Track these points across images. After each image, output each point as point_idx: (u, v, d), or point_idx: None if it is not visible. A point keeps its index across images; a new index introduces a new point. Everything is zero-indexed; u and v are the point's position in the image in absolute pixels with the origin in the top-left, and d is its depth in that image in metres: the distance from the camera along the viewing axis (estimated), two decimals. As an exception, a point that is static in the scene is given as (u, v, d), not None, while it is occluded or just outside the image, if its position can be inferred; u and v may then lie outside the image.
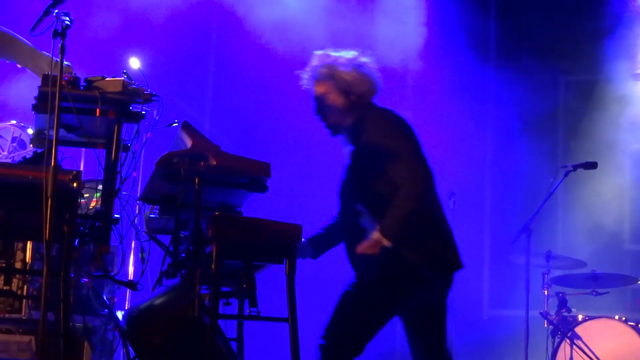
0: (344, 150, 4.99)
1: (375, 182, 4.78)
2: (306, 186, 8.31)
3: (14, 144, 5.83)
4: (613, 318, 7.92)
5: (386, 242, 4.58)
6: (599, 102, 9.50)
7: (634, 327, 7.78)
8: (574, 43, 9.73)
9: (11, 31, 4.46)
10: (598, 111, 9.45)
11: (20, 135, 5.86)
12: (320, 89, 5.03)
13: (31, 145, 5.54)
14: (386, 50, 9.24)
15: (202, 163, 4.59)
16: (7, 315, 5.50)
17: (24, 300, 5.49)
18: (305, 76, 5.08)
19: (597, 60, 9.37)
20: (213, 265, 4.53)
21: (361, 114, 4.92)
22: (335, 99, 4.99)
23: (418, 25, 9.90)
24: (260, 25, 9.20)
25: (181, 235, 5.05)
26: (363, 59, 5.07)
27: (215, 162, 4.61)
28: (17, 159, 5.63)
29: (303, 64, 5.07)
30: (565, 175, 8.11)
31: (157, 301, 4.72)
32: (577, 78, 10.04)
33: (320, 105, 5.03)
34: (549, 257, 8.09)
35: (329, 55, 5.07)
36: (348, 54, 5.06)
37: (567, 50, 9.82)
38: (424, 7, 9.92)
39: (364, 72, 5.03)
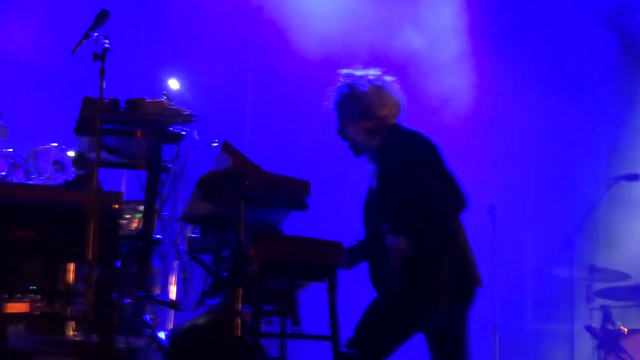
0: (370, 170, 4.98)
1: (399, 205, 4.76)
2: (345, 201, 8.30)
3: (55, 167, 5.86)
4: (659, 331, 7.86)
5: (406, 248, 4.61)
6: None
7: (680, 340, 7.72)
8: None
9: None
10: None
11: (60, 158, 5.90)
12: (338, 112, 5.02)
13: (73, 168, 5.59)
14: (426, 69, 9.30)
15: (242, 182, 4.59)
16: (50, 337, 5.51)
17: (68, 322, 5.50)
18: (329, 97, 5.04)
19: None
20: (255, 285, 4.54)
21: (386, 137, 4.89)
22: (357, 121, 4.94)
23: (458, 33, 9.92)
24: (299, 41, 9.24)
25: (223, 254, 5.05)
26: (387, 78, 5.02)
27: (255, 182, 4.62)
28: (58, 181, 5.67)
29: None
30: (608, 187, 8.08)
31: (200, 321, 4.73)
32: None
33: (342, 127, 5.00)
34: (592, 270, 8.04)
35: (351, 75, 5.02)
36: (371, 74, 5.01)
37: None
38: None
39: (387, 94, 4.97)
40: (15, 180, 5.67)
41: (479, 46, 9.80)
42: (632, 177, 8.13)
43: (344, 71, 5.05)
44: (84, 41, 4.43)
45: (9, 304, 5.36)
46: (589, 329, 7.98)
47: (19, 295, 5.40)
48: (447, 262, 4.71)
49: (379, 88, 4.96)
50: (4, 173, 5.72)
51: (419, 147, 4.84)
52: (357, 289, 5.12)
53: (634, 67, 9.52)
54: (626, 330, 7.84)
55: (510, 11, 9.91)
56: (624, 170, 8.36)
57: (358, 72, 5.02)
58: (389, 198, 4.79)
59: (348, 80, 4.99)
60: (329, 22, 9.21)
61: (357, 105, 4.92)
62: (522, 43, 9.81)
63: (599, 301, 8.10)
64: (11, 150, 5.68)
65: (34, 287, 5.30)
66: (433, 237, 4.68)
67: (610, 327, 7.92)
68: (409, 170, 4.75)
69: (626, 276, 8.18)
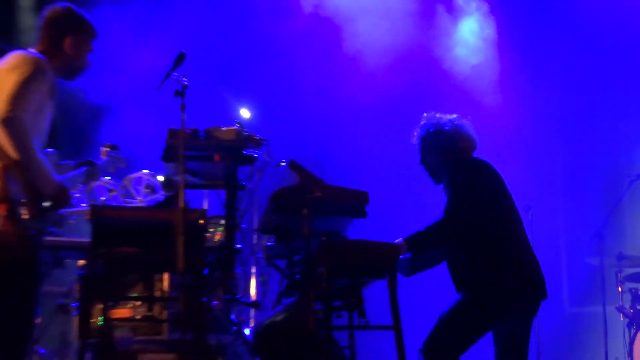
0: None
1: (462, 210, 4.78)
2: (402, 206, 8.27)
3: (147, 190, 5.90)
4: (683, 309, 7.73)
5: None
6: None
7: (702, 316, 7.60)
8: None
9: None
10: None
11: (151, 183, 5.93)
12: (422, 146, 5.14)
13: (162, 190, 5.61)
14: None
15: (308, 196, 4.58)
16: (151, 338, 5.53)
17: (165, 324, 5.52)
18: (414, 133, 5.17)
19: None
20: (324, 284, 4.50)
21: (456, 167, 4.94)
22: (437, 154, 5.07)
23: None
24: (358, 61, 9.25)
25: (295, 259, 5.05)
26: (464, 121, 5.16)
27: (320, 195, 4.61)
28: (150, 203, 5.70)
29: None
30: (630, 184, 7.99)
31: (278, 318, 4.72)
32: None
33: (424, 158, 5.13)
34: (620, 257, 7.98)
35: (434, 116, 5.17)
36: (450, 117, 5.15)
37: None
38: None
39: (463, 132, 5.10)
40: (114, 204, 5.71)
41: (509, 55, 9.72)
42: (650, 174, 8.08)
43: (426, 114, 5.20)
44: (166, 80, 4.43)
45: (115, 310, 5.42)
46: (619, 309, 7.91)
47: (122, 303, 5.48)
48: (512, 275, 4.70)
49: (457, 126, 5.10)
50: (103, 198, 5.76)
51: (468, 168, 4.94)
52: (414, 285, 5.07)
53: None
54: (653, 309, 7.75)
55: (538, 12, 9.75)
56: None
57: (439, 115, 5.17)
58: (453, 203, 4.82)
59: (432, 120, 5.15)
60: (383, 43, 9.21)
61: (439, 139, 5.05)
62: (552, 48, 9.67)
63: (628, 285, 8.02)
64: (109, 178, 5.72)
65: (135, 295, 5.35)
66: (503, 256, 4.72)
67: (638, 307, 7.83)
68: (450, 185, 4.83)
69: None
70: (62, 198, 4.33)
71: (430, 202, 5.22)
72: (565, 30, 9.62)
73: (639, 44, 9.33)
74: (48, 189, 4.27)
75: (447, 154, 5.02)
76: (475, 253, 4.72)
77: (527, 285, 4.75)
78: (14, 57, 4.40)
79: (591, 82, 9.37)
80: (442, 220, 4.71)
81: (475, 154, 5.11)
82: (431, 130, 5.10)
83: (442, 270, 5.11)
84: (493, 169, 4.96)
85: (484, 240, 4.72)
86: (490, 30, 9.88)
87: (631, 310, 7.81)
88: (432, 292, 4.92)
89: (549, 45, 9.66)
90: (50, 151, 4.56)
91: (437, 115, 5.17)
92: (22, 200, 4.22)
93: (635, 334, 7.65)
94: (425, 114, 5.20)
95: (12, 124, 4.11)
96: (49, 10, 4.59)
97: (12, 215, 4.14)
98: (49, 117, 4.47)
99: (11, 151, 4.16)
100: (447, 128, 5.07)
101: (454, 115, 5.18)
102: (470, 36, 9.91)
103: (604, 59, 9.33)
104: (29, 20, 8.55)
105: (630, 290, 7.92)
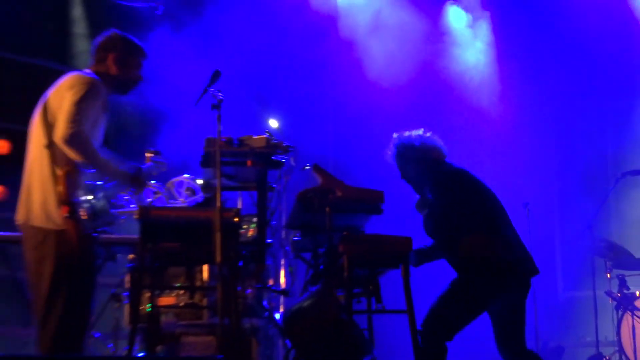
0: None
1: (444, 230, 4.86)
2: (411, 205, 8.29)
3: (188, 193, 5.96)
4: (665, 293, 7.74)
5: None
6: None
7: (684, 298, 7.59)
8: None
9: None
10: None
11: (192, 186, 5.99)
12: (399, 162, 5.15)
13: (201, 192, 5.67)
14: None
15: (330, 196, 4.64)
16: (193, 322, 5.60)
17: (205, 310, 5.59)
18: (388, 153, 5.19)
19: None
20: (345, 274, 4.56)
21: (433, 174, 4.97)
22: (412, 167, 5.09)
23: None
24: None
25: (319, 252, 5.09)
26: (427, 134, 5.15)
27: (340, 194, 4.67)
28: (191, 204, 5.76)
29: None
30: (617, 182, 7.99)
31: (305, 304, 4.71)
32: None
33: (404, 173, 5.16)
34: (609, 246, 7.90)
35: (402, 135, 5.17)
36: (417, 132, 5.16)
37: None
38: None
39: (430, 144, 5.11)
40: (159, 205, 5.78)
41: (508, 61, 9.72)
42: (635, 173, 8.06)
43: (396, 134, 5.20)
44: (203, 95, 4.48)
45: (161, 298, 5.47)
46: (608, 293, 7.88)
47: (167, 292, 5.55)
48: (504, 258, 4.74)
49: (425, 140, 5.11)
50: (149, 200, 5.84)
51: (450, 181, 4.96)
52: (425, 274, 5.13)
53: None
54: (638, 293, 7.73)
55: (533, 17, 9.72)
56: (630, 165, 8.29)
57: (407, 133, 5.16)
58: (432, 219, 4.89)
59: (403, 139, 5.16)
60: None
61: (414, 153, 5.07)
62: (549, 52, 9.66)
63: (615, 271, 8.00)
64: (154, 182, 5.80)
65: (179, 285, 5.44)
66: (485, 241, 4.75)
67: (625, 291, 7.81)
68: (438, 199, 4.86)
69: (632, 255, 8.09)
70: (138, 181, 4.46)
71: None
72: (558, 36, 9.56)
73: (627, 50, 9.33)
74: (124, 180, 4.42)
75: (424, 165, 5.04)
76: (466, 241, 4.75)
77: (513, 265, 4.76)
78: (70, 78, 4.50)
79: (583, 89, 9.35)
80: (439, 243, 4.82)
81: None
82: (404, 147, 5.11)
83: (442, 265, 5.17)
84: (468, 172, 5.00)
85: (473, 230, 4.75)
86: (488, 34, 9.89)
87: (618, 294, 7.76)
88: (441, 280, 4.96)
89: (543, 52, 9.60)
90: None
91: (406, 133, 5.17)
92: (80, 201, 4.33)
93: (622, 315, 7.64)
94: (395, 134, 5.19)
95: (72, 140, 4.21)
96: (99, 36, 4.73)
97: (73, 216, 4.26)
98: (103, 129, 4.59)
99: (79, 161, 4.31)
100: (417, 143, 5.08)
101: (420, 131, 5.17)
102: (468, 39, 9.94)
103: (594, 65, 9.28)
104: (82, 45, 8.67)
105: (617, 276, 7.91)
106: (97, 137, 4.47)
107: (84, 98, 4.33)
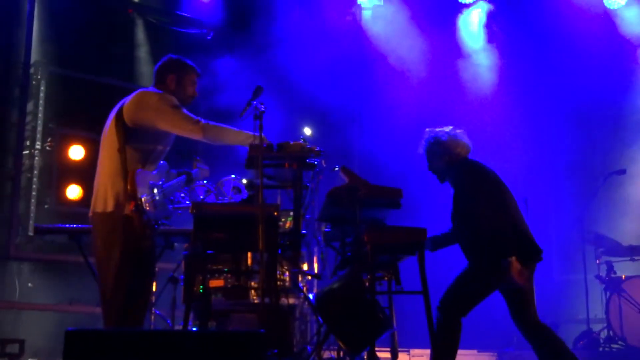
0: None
1: (465, 214, 4.81)
2: (429, 200, 8.24)
3: (234, 191, 5.96)
4: (648, 276, 7.65)
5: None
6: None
7: (665, 282, 7.51)
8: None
9: (218, 124, 4.57)
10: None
11: (237, 185, 6.00)
12: (427, 154, 5.11)
13: (246, 190, 5.67)
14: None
15: (356, 193, 4.61)
16: (239, 301, 5.59)
17: (249, 291, 5.57)
18: (420, 146, 5.15)
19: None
20: (369, 260, 4.54)
21: (456, 168, 4.92)
22: (439, 159, 5.04)
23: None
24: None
25: (347, 241, 5.07)
26: (457, 130, 5.10)
27: (365, 192, 4.63)
28: (237, 200, 5.76)
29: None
30: (605, 179, 7.91)
31: (335, 285, 4.68)
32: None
33: (430, 164, 5.11)
34: (597, 236, 7.93)
35: (433, 130, 5.13)
36: (446, 128, 5.11)
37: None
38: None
39: (458, 139, 5.05)
40: (210, 201, 5.80)
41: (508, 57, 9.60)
42: (621, 172, 7.98)
43: (428, 129, 5.16)
44: (247, 108, 4.45)
45: (211, 281, 5.49)
46: (597, 277, 7.83)
47: (217, 275, 5.54)
48: (511, 246, 4.68)
49: (452, 136, 5.06)
50: (202, 197, 5.86)
51: (474, 174, 4.89)
52: (438, 260, 5.08)
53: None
54: (624, 276, 7.65)
55: (534, 16, 9.55)
56: (616, 166, 8.19)
57: (437, 129, 5.12)
58: (457, 210, 4.85)
59: (432, 134, 5.11)
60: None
61: (439, 148, 5.02)
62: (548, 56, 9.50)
63: (604, 258, 7.93)
64: (206, 182, 5.82)
65: (226, 269, 5.43)
66: (494, 229, 4.67)
67: (613, 275, 7.76)
68: (466, 191, 4.82)
69: (621, 241, 7.98)
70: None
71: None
72: (555, 36, 9.41)
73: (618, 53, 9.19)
74: (246, 141, 4.43)
75: (447, 158, 5.01)
76: (478, 229, 4.71)
77: (512, 249, 4.68)
78: (142, 93, 4.53)
79: (577, 93, 9.24)
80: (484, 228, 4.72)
81: (477, 156, 5.06)
82: (432, 141, 5.07)
83: (459, 248, 5.10)
84: (486, 167, 4.94)
85: (485, 219, 4.70)
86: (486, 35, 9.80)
87: (607, 278, 7.74)
88: (452, 265, 4.91)
89: (543, 52, 9.46)
90: (163, 163, 4.69)
91: (436, 129, 5.12)
92: (145, 198, 4.35)
93: (610, 296, 7.59)
94: (427, 129, 5.16)
95: (206, 134, 4.45)
96: (159, 61, 4.75)
97: (138, 210, 4.27)
98: (171, 139, 4.64)
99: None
100: (444, 139, 5.03)
101: (450, 127, 5.13)
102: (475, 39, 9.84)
103: (587, 69, 9.13)
104: (144, 67, 8.74)
105: (605, 262, 7.86)
106: (172, 139, 4.54)
107: (171, 104, 4.45)
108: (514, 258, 4.57)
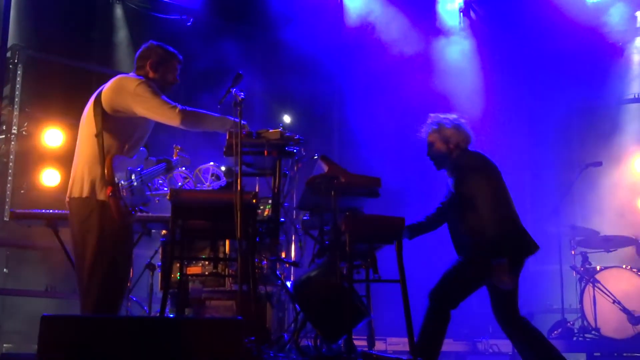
0: (447, 179, 5.02)
1: (463, 206, 4.81)
2: (406, 190, 8.26)
3: (213, 178, 5.95)
4: (621, 267, 7.70)
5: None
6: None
7: (636, 273, 7.56)
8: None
9: (197, 109, 4.54)
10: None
11: (216, 172, 5.98)
12: (430, 139, 5.12)
13: (224, 178, 5.65)
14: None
15: (335, 181, 4.59)
16: (216, 289, 5.58)
17: (227, 278, 5.56)
18: (422, 129, 5.15)
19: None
20: (347, 248, 4.52)
21: (457, 157, 4.93)
22: (440, 146, 5.05)
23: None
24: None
25: (325, 229, 5.02)
26: (462, 120, 5.11)
27: (344, 180, 4.61)
28: (215, 187, 5.75)
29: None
30: (581, 171, 7.97)
31: (312, 274, 4.72)
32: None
33: (430, 149, 5.13)
34: (573, 228, 7.99)
35: (438, 116, 5.14)
36: (451, 116, 5.12)
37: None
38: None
39: (461, 129, 5.06)
40: (188, 188, 5.77)
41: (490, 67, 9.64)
42: (597, 164, 8.04)
43: (432, 114, 5.16)
44: (227, 95, 4.44)
45: (189, 268, 5.48)
46: (573, 267, 7.90)
47: (194, 262, 5.52)
48: (504, 242, 4.70)
49: (456, 124, 5.08)
50: (180, 184, 5.83)
51: (476, 164, 4.91)
52: (416, 249, 5.10)
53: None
54: (598, 267, 7.73)
55: (511, 23, 9.62)
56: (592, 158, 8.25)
57: (442, 115, 5.14)
58: (457, 200, 4.85)
59: (437, 119, 5.12)
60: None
61: (442, 135, 5.04)
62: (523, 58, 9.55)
63: (579, 249, 8.01)
64: (184, 168, 5.79)
65: (204, 257, 5.42)
66: (493, 224, 4.72)
67: (587, 266, 7.82)
68: (466, 181, 4.85)
69: (596, 232, 8.06)
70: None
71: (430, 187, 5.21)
72: (533, 34, 9.45)
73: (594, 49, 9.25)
74: (225, 126, 4.42)
75: (449, 146, 5.02)
76: (477, 223, 4.74)
77: (508, 249, 4.75)
78: (121, 79, 4.50)
79: (555, 86, 9.30)
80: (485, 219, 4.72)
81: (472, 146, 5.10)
82: (435, 127, 5.08)
83: (435, 238, 5.12)
84: (485, 157, 4.96)
85: (487, 214, 4.73)
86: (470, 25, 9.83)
87: (581, 269, 7.80)
88: (430, 255, 4.94)
89: (521, 49, 9.54)
90: (142, 150, 4.66)
91: (441, 115, 5.13)
92: (122, 184, 4.32)
93: (585, 286, 7.65)
94: (431, 114, 5.16)
95: (184, 120, 4.40)
96: (140, 48, 4.71)
97: (114, 195, 4.25)
98: (150, 126, 4.60)
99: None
100: (448, 126, 5.04)
101: (454, 115, 5.14)
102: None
103: (564, 64, 9.21)
104: (123, 53, 8.67)
105: (581, 253, 7.94)
106: (151, 126, 4.51)
107: (150, 90, 4.40)
108: (506, 260, 4.60)
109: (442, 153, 5.03)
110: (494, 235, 4.70)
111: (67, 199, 4.43)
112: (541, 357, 4.77)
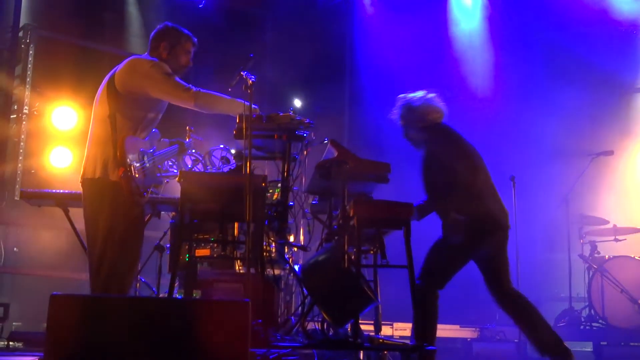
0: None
1: (431, 179, 4.80)
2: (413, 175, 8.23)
3: (223, 161, 5.95)
4: (630, 256, 7.69)
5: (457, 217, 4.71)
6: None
7: (646, 262, 7.59)
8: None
9: (211, 91, 4.54)
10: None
11: (226, 155, 5.99)
12: (401, 121, 5.07)
13: (234, 161, 5.66)
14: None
15: (344, 166, 4.60)
16: (224, 271, 5.60)
17: (235, 261, 5.59)
18: (393, 112, 5.09)
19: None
20: (355, 233, 4.51)
21: (430, 132, 4.90)
22: (413, 126, 5.01)
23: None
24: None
25: (333, 213, 5.06)
26: (430, 95, 5.03)
27: (353, 165, 4.62)
28: (225, 170, 5.76)
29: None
30: (590, 160, 7.95)
31: (320, 258, 4.70)
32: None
33: (406, 132, 5.08)
34: (582, 217, 8.00)
35: (406, 96, 5.07)
36: (420, 93, 5.04)
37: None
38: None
39: (430, 104, 4.99)
40: (198, 170, 5.79)
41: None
42: (608, 153, 8.01)
43: (401, 95, 5.09)
44: (238, 78, 4.42)
45: (198, 250, 5.50)
46: (581, 256, 7.90)
47: (203, 244, 5.55)
48: (482, 215, 4.70)
49: (426, 101, 5.00)
50: (190, 166, 5.85)
51: (448, 138, 4.85)
52: (423, 234, 5.09)
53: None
54: (607, 256, 7.73)
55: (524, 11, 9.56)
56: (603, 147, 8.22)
57: (410, 94, 5.05)
58: (425, 174, 4.81)
59: (405, 100, 5.05)
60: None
61: (412, 114, 4.98)
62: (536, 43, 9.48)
63: (588, 237, 8.00)
64: (194, 150, 5.81)
65: (213, 239, 5.44)
66: (462, 200, 4.70)
67: (596, 255, 7.83)
68: (436, 154, 4.80)
69: (605, 221, 8.05)
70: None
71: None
72: (546, 19, 9.42)
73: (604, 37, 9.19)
74: (239, 109, 4.40)
75: (422, 125, 4.96)
76: (450, 197, 4.73)
77: (487, 223, 4.75)
78: (135, 60, 4.50)
79: (566, 74, 9.26)
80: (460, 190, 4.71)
81: (465, 133, 5.02)
82: (405, 108, 5.02)
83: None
84: (457, 132, 4.90)
85: (457, 188, 4.71)
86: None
87: (590, 258, 7.81)
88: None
89: (532, 34, 9.49)
90: (155, 131, 4.67)
91: (409, 94, 5.05)
92: (134, 165, 4.34)
93: (593, 275, 7.67)
94: (400, 95, 5.08)
95: (198, 102, 4.42)
96: (155, 29, 4.71)
97: (126, 176, 4.26)
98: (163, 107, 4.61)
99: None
100: (417, 104, 4.98)
101: (424, 92, 5.05)
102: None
103: (573, 51, 9.17)
104: (135, 34, 8.64)
105: (589, 242, 7.94)
106: (164, 107, 4.52)
107: (164, 71, 4.41)
108: (463, 218, 4.60)
109: (416, 132, 4.99)
110: (456, 200, 4.68)
111: (80, 180, 4.46)
112: (530, 327, 4.79)
